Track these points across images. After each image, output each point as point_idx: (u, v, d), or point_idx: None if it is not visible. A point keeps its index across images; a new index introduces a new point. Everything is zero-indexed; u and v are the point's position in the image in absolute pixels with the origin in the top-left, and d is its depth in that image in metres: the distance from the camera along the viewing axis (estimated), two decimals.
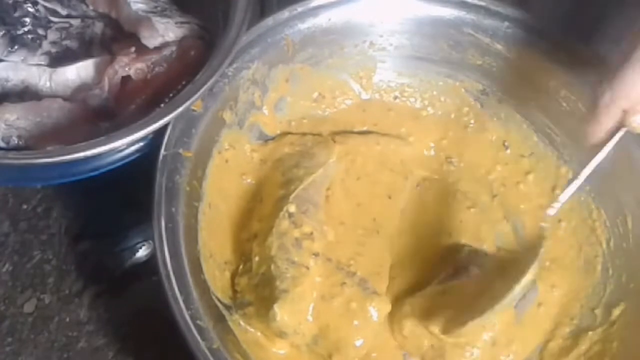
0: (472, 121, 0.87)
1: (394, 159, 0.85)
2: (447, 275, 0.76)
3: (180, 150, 0.71)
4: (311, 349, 0.71)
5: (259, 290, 0.71)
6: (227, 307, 0.71)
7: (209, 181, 0.75)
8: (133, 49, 0.76)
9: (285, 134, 0.84)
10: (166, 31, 0.77)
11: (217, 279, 0.72)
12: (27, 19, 0.79)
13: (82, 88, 0.76)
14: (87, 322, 0.80)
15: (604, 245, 0.79)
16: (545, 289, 0.78)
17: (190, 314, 0.64)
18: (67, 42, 0.79)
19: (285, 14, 0.80)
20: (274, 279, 0.70)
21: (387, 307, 0.73)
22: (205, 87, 0.70)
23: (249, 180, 0.80)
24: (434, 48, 0.85)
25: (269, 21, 0.80)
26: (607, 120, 0.65)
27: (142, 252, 0.79)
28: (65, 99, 0.74)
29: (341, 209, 0.79)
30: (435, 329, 0.72)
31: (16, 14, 0.79)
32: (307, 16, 0.81)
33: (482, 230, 0.81)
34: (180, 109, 0.69)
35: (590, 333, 0.75)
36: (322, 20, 0.82)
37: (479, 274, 0.75)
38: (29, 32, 0.79)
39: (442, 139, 0.87)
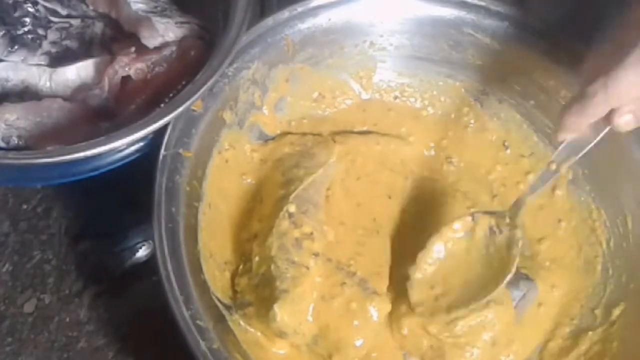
0: (472, 121, 0.87)
1: (394, 159, 0.85)
2: None
3: (180, 150, 0.71)
4: (311, 349, 0.71)
5: (259, 291, 0.71)
6: (227, 307, 0.71)
7: (209, 181, 0.75)
8: (133, 49, 0.76)
9: (285, 134, 0.84)
10: (166, 31, 0.77)
11: (217, 279, 0.72)
12: (27, 19, 0.79)
13: (82, 88, 0.76)
14: (87, 322, 0.80)
15: (604, 245, 0.79)
16: (545, 289, 0.78)
17: (190, 314, 0.64)
18: (67, 42, 0.80)
19: (285, 14, 0.80)
20: (274, 279, 0.70)
21: (387, 307, 0.73)
22: (205, 87, 0.70)
23: (249, 180, 0.80)
24: (434, 48, 0.85)
25: (269, 21, 0.80)
26: (593, 117, 0.64)
27: (142, 252, 0.79)
28: (65, 99, 0.74)
29: (341, 209, 0.79)
30: (434, 329, 0.72)
31: (16, 14, 0.79)
32: (307, 16, 0.81)
33: None
34: (180, 109, 0.69)
35: (590, 333, 0.76)
36: (322, 20, 0.82)
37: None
38: (29, 32, 0.79)
39: (442, 139, 0.87)
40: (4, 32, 0.77)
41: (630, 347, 0.73)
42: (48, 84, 0.76)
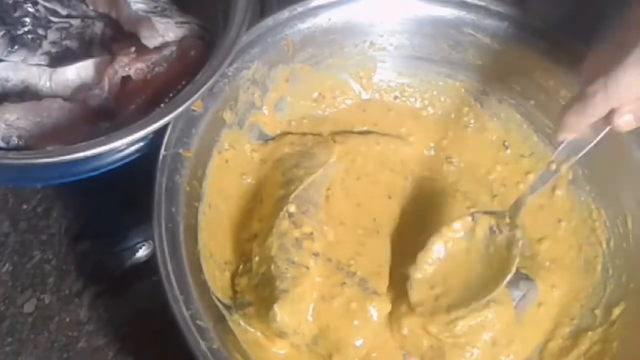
0: (472, 121, 0.87)
1: (394, 159, 0.85)
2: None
3: (180, 150, 0.71)
4: (311, 349, 0.71)
5: (259, 291, 0.71)
6: (227, 307, 0.71)
7: (209, 181, 0.75)
8: (133, 49, 0.76)
9: (285, 134, 0.84)
10: (166, 31, 0.77)
11: (217, 279, 0.72)
12: (27, 19, 0.79)
13: (82, 88, 0.76)
14: (87, 322, 0.80)
15: (604, 245, 0.79)
16: (545, 289, 0.78)
17: (190, 314, 0.64)
18: (67, 42, 0.80)
19: (285, 14, 0.80)
20: (274, 279, 0.70)
21: (387, 307, 0.73)
22: (205, 87, 0.70)
23: (249, 180, 0.80)
24: (434, 48, 0.85)
25: (269, 21, 0.80)
26: (593, 117, 0.64)
27: (142, 252, 0.79)
28: (65, 99, 0.74)
29: (341, 209, 0.79)
30: (434, 329, 0.72)
31: (16, 14, 0.79)
32: (307, 16, 0.81)
33: None
34: (180, 109, 0.69)
35: (590, 333, 0.76)
36: (322, 20, 0.82)
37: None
38: (29, 32, 0.79)
39: (442, 139, 0.87)
40: (4, 32, 0.77)
41: (630, 347, 0.73)
42: (48, 84, 0.76)
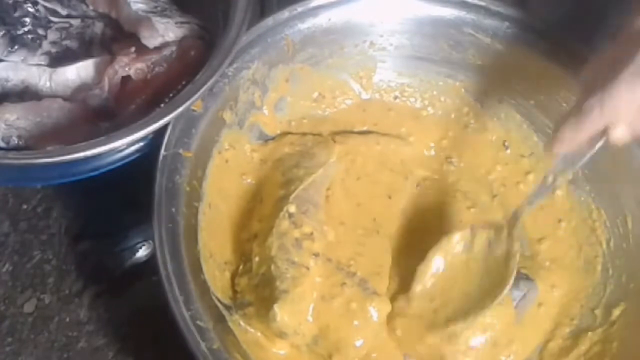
0: (472, 121, 0.87)
1: (394, 159, 0.85)
2: None
3: (180, 151, 0.71)
4: (311, 349, 0.71)
5: (259, 291, 0.71)
6: (227, 308, 0.71)
7: (209, 181, 0.75)
8: (133, 49, 0.76)
9: (285, 134, 0.84)
10: (166, 31, 0.77)
11: (217, 279, 0.72)
12: (27, 19, 0.79)
13: (82, 88, 0.76)
14: (87, 322, 0.80)
15: (604, 246, 0.79)
16: (545, 289, 0.78)
17: (191, 315, 0.64)
18: (67, 42, 0.79)
19: (285, 14, 0.80)
20: (274, 279, 0.70)
21: (387, 308, 0.73)
22: (205, 87, 0.70)
23: (249, 180, 0.80)
24: (434, 48, 0.85)
25: (269, 21, 0.80)
26: (589, 132, 0.64)
27: (142, 252, 0.79)
28: (65, 99, 0.74)
29: (341, 209, 0.79)
30: (432, 340, 0.72)
31: (16, 14, 0.79)
32: (307, 16, 0.81)
33: None
34: (180, 109, 0.69)
35: (590, 333, 0.75)
36: (322, 20, 0.82)
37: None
38: (29, 32, 0.79)
39: (442, 139, 0.87)
40: (4, 32, 0.77)
41: (630, 347, 0.73)
42: (48, 84, 0.76)
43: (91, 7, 0.82)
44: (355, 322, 0.71)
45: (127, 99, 0.75)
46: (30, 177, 0.73)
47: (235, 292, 0.74)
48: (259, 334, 0.71)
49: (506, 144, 0.86)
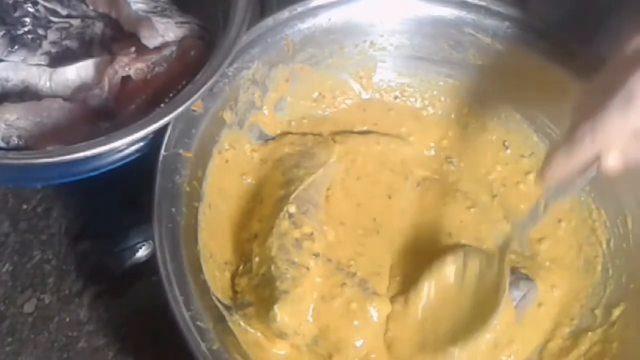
0: (472, 121, 0.87)
1: (394, 159, 0.85)
2: None
3: (180, 151, 0.71)
4: (311, 349, 0.71)
5: (259, 291, 0.71)
6: (227, 308, 0.71)
7: (209, 181, 0.75)
8: (133, 49, 0.76)
9: (285, 134, 0.84)
10: (166, 31, 0.77)
11: (217, 279, 0.72)
12: (27, 19, 0.79)
13: (82, 88, 0.76)
14: (87, 322, 0.80)
15: (604, 246, 0.79)
16: (545, 289, 0.78)
17: (191, 315, 0.64)
18: (67, 42, 0.79)
19: (285, 14, 0.80)
20: (274, 280, 0.70)
21: (388, 308, 0.73)
22: (205, 87, 0.70)
23: (249, 181, 0.80)
24: (435, 48, 0.85)
25: (269, 21, 0.80)
26: (580, 160, 0.62)
27: (142, 252, 0.79)
28: (65, 99, 0.74)
29: (341, 209, 0.79)
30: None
31: (16, 14, 0.79)
32: (307, 16, 0.81)
33: (482, 230, 0.81)
34: (180, 109, 0.69)
35: (590, 333, 0.75)
36: (322, 20, 0.82)
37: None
38: (29, 32, 0.79)
39: (442, 139, 0.87)
40: (4, 32, 0.77)
41: (630, 348, 0.73)
42: (48, 84, 0.76)
43: (91, 7, 0.82)
44: (356, 323, 0.71)
45: (127, 99, 0.75)
46: (30, 177, 0.73)
47: (235, 292, 0.73)
48: (259, 334, 0.71)
49: (506, 144, 0.86)
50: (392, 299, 0.74)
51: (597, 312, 0.77)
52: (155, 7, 0.79)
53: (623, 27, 0.64)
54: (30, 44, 0.78)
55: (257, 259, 0.73)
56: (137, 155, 0.71)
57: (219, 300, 0.71)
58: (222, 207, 0.76)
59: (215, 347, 0.64)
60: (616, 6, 0.87)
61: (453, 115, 0.87)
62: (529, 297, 0.76)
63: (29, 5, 0.80)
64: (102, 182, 0.72)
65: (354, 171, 0.82)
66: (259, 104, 0.81)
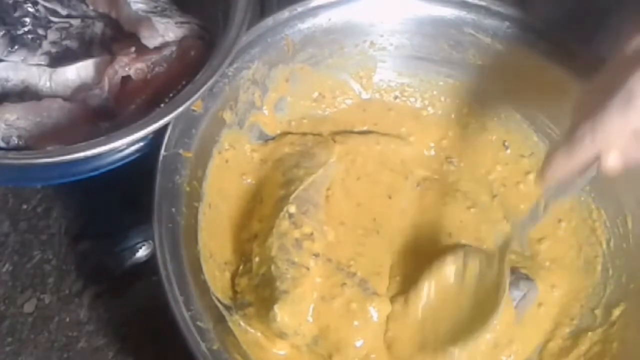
0: (472, 121, 0.87)
1: (394, 158, 0.85)
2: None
3: (180, 151, 0.71)
4: (311, 349, 0.71)
5: (259, 291, 0.71)
6: (227, 308, 0.71)
7: (209, 181, 0.75)
8: (133, 49, 0.76)
9: (285, 134, 0.84)
10: (166, 31, 0.77)
11: (217, 279, 0.72)
12: (27, 19, 0.79)
13: (82, 88, 0.76)
14: (87, 322, 0.80)
15: (604, 246, 0.79)
16: (545, 289, 0.78)
17: (191, 315, 0.64)
18: (67, 42, 0.79)
19: (285, 14, 0.80)
20: (274, 280, 0.70)
21: (388, 308, 0.73)
22: (205, 87, 0.70)
23: (249, 181, 0.80)
24: (435, 48, 0.85)
25: (269, 21, 0.80)
26: (580, 160, 0.62)
27: (142, 252, 0.79)
28: (65, 99, 0.74)
29: (341, 209, 0.79)
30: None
31: (16, 14, 0.79)
32: (307, 16, 0.81)
33: (482, 230, 0.81)
34: (180, 109, 0.69)
35: (590, 333, 0.75)
36: (322, 20, 0.82)
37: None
38: (29, 32, 0.79)
39: (442, 139, 0.87)
40: (4, 32, 0.77)
41: (630, 348, 0.73)
42: (48, 84, 0.76)
43: (91, 7, 0.82)
44: (356, 323, 0.71)
45: (127, 99, 0.75)
46: (30, 177, 0.73)
47: (235, 292, 0.73)
48: (259, 334, 0.71)
49: (506, 144, 0.86)
50: (392, 299, 0.75)
51: (597, 312, 0.77)
52: (155, 7, 0.79)
53: (623, 27, 0.64)
54: (30, 44, 0.78)
55: (257, 259, 0.73)
56: (137, 155, 0.71)
57: (219, 300, 0.71)
58: (222, 207, 0.76)
59: (215, 347, 0.64)
60: (616, 6, 0.87)
61: (453, 115, 0.87)
62: (529, 297, 0.76)
63: (29, 5, 0.80)
64: (102, 182, 0.72)
65: (354, 171, 0.82)
66: (259, 104, 0.81)
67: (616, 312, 0.75)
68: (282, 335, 0.70)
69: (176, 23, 0.78)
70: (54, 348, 0.78)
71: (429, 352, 0.72)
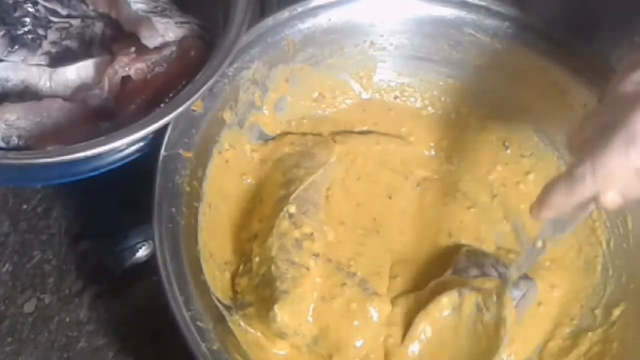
0: (472, 121, 0.87)
1: (394, 158, 0.85)
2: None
3: (181, 151, 0.71)
4: (311, 349, 0.71)
5: (259, 291, 0.71)
6: (227, 308, 0.71)
7: (209, 181, 0.75)
8: (133, 49, 0.76)
9: (285, 134, 0.84)
10: (166, 31, 0.77)
11: (217, 279, 0.72)
12: (27, 19, 0.79)
13: (82, 88, 0.76)
14: (87, 322, 0.80)
15: (604, 246, 0.79)
16: (545, 289, 0.78)
17: (191, 315, 0.64)
18: (67, 42, 0.79)
19: (285, 14, 0.80)
20: (274, 280, 0.70)
21: (388, 308, 0.73)
22: (205, 87, 0.70)
23: (249, 181, 0.80)
24: (435, 48, 0.85)
25: (269, 21, 0.80)
26: (580, 199, 0.61)
27: (142, 252, 0.79)
28: (65, 99, 0.74)
29: (341, 209, 0.79)
30: None
31: (16, 14, 0.79)
32: (307, 16, 0.81)
33: (482, 230, 0.81)
34: (180, 109, 0.69)
35: (590, 333, 0.75)
36: (322, 20, 0.82)
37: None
38: (29, 32, 0.78)
39: (442, 139, 0.87)
40: (4, 32, 0.77)
41: (630, 348, 0.73)
42: (48, 84, 0.76)
43: (91, 7, 0.82)
44: (356, 323, 0.71)
45: (127, 99, 0.75)
46: (30, 177, 0.73)
47: (235, 292, 0.73)
48: (259, 334, 0.71)
49: (506, 144, 0.86)
50: (393, 301, 0.74)
51: (597, 312, 0.77)
52: (155, 7, 0.79)
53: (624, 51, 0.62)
54: (30, 44, 0.78)
55: (257, 259, 0.73)
56: (137, 155, 0.71)
57: (219, 300, 0.71)
58: (222, 207, 0.76)
59: (215, 347, 0.64)
60: (616, 6, 0.87)
61: (453, 115, 0.87)
62: (529, 296, 0.76)
63: (29, 5, 0.80)
64: (102, 182, 0.72)
65: (354, 171, 0.82)
66: (259, 104, 0.81)
67: (616, 312, 0.75)
68: (282, 335, 0.70)
69: (176, 23, 0.78)
70: (54, 348, 0.78)
71: None
